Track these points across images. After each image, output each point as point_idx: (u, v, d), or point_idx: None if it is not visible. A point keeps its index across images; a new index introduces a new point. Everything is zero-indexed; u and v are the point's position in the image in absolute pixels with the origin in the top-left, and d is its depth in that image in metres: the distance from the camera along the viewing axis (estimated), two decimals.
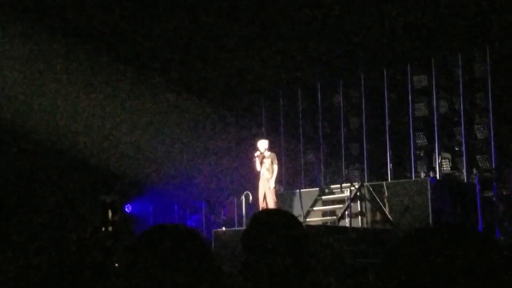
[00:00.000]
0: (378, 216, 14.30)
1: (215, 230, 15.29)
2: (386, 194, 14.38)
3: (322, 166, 17.74)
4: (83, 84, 17.36)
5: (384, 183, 15.10)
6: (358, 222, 14.53)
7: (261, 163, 13.98)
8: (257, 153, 14.09)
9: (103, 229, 2.65)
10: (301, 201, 15.11)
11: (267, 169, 13.98)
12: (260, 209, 13.73)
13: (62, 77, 17.08)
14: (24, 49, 16.40)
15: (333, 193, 15.47)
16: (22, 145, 16.48)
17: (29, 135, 16.64)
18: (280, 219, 2.59)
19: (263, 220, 2.62)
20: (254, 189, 17.35)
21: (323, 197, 15.49)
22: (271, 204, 13.82)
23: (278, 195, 14.48)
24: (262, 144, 14.22)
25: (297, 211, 14.83)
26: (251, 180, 18.46)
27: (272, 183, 13.96)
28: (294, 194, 15.72)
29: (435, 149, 16.23)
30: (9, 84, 16.53)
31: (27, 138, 16.62)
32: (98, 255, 2.69)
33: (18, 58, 16.42)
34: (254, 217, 2.70)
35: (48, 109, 17.09)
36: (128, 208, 18.92)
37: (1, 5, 15.56)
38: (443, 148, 16.24)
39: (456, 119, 16.08)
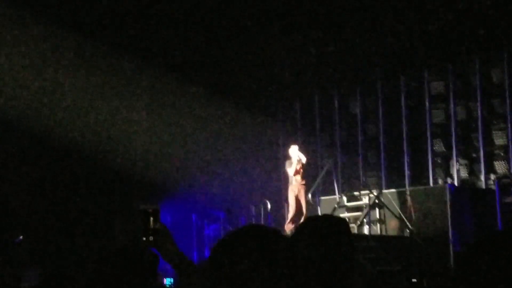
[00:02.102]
0: (397, 224, 14.28)
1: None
2: (404, 201, 14.35)
3: (339, 173, 17.74)
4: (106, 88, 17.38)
5: (402, 190, 15.08)
6: (377, 229, 14.54)
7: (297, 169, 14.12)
8: (294, 159, 14.12)
9: (144, 238, 2.67)
10: (320, 209, 15.13)
11: (302, 176, 14.14)
12: (293, 214, 13.90)
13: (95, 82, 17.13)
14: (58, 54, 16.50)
15: (351, 201, 15.47)
16: (60, 154, 16.59)
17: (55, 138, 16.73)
18: (335, 226, 2.61)
19: (318, 225, 2.64)
20: (273, 197, 17.39)
21: (342, 205, 15.49)
22: (305, 209, 14.00)
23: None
24: (295, 150, 14.37)
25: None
26: (270, 188, 18.50)
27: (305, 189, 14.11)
28: (313, 202, 15.74)
29: (452, 155, 16.22)
30: (49, 91, 16.60)
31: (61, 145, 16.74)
32: (142, 265, 2.71)
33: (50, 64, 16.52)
34: (307, 222, 2.72)
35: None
36: None
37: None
38: (461, 155, 16.22)
39: (473, 125, 16.06)
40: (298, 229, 2.68)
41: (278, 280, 1.77)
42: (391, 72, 17.05)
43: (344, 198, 15.58)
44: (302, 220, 13.85)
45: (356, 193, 15.48)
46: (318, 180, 15.52)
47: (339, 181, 16.68)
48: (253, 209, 17.53)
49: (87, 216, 16.51)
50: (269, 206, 15.39)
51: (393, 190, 15.17)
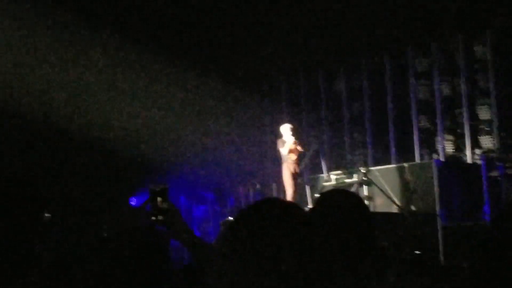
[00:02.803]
0: (385, 200, 14.39)
1: (222, 221, 15.38)
2: (392, 178, 14.46)
3: (325, 152, 17.83)
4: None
5: (389, 166, 15.20)
6: None
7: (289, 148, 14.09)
8: (287, 138, 14.13)
9: (153, 218, 2.68)
10: (308, 187, 15.22)
11: (295, 153, 14.10)
12: (292, 192, 13.93)
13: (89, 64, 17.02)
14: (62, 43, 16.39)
15: (339, 179, 15.55)
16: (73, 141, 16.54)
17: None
18: (350, 200, 2.66)
19: (335, 200, 2.69)
20: (261, 177, 17.44)
21: (330, 183, 15.57)
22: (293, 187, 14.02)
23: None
24: (288, 128, 14.32)
25: (303, 197, 14.96)
26: (258, 168, 18.56)
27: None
28: (301, 181, 15.81)
29: (438, 131, 16.35)
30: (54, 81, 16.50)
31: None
32: (152, 244, 2.76)
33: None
34: (324, 197, 2.76)
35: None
36: (132, 201, 18.93)
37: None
38: (446, 130, 16.35)
39: (458, 101, 16.19)
40: (315, 203, 2.73)
41: (300, 253, 1.75)
42: (375, 50, 17.12)
43: (332, 177, 15.67)
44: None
45: (343, 171, 15.57)
46: (305, 159, 15.60)
47: (326, 160, 16.76)
48: (241, 189, 17.60)
49: (74, 199, 16.48)
50: (257, 186, 15.43)
51: (380, 167, 15.28)
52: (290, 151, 14.09)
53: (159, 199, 2.95)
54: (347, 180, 15.28)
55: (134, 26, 17.12)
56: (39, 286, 2.89)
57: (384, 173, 14.70)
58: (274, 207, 1.86)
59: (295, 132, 14.39)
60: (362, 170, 14.94)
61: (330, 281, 1.74)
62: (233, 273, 1.71)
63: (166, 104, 18.36)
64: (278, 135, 14.63)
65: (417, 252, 10.20)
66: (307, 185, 15.44)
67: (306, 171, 15.94)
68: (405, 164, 15.07)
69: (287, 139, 14.18)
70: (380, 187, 14.47)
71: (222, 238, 1.87)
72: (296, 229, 1.80)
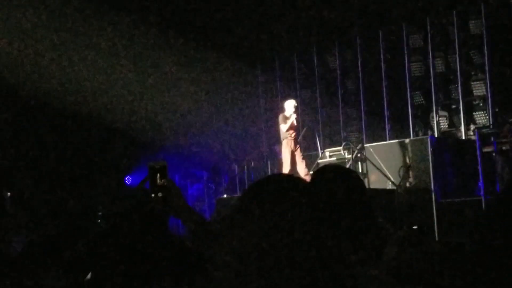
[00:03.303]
0: (380, 177, 14.42)
1: (218, 198, 15.40)
2: (386, 154, 14.49)
3: (320, 129, 17.83)
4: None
5: (383, 143, 15.22)
6: None
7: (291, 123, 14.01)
8: (289, 114, 14.00)
9: (153, 195, 2.67)
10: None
11: (295, 129, 14.07)
12: (289, 169, 13.90)
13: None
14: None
15: (333, 156, 15.57)
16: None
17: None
18: (347, 176, 2.65)
19: (332, 175, 2.68)
20: (255, 154, 17.43)
21: (324, 160, 15.59)
22: (302, 163, 13.94)
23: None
24: (292, 104, 14.16)
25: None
26: (251, 145, 18.56)
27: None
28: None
29: (432, 107, 16.35)
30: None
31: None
32: (152, 221, 2.75)
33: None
34: (322, 171, 2.75)
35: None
36: (128, 180, 18.94)
37: None
38: (440, 106, 16.36)
39: (452, 77, 16.19)
40: (313, 178, 2.72)
41: (306, 230, 1.76)
42: (370, 26, 17.07)
43: (327, 154, 15.69)
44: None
45: (338, 148, 15.59)
46: (300, 136, 15.59)
47: (320, 137, 16.77)
48: (235, 168, 17.60)
49: (69, 174, 16.47)
50: (252, 164, 15.43)
51: (374, 143, 15.30)
52: (290, 128, 13.99)
53: (158, 176, 2.93)
54: (342, 157, 15.30)
55: None
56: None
57: (379, 150, 14.73)
58: (281, 181, 1.87)
59: (297, 109, 14.29)
60: (356, 146, 14.98)
61: (338, 256, 1.74)
62: (245, 247, 1.72)
63: (161, 82, 18.28)
64: (280, 111, 14.47)
65: (414, 227, 10.24)
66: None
67: (300, 149, 15.93)
68: (399, 141, 15.10)
69: (289, 114, 14.03)
70: (374, 163, 14.51)
71: (233, 212, 1.87)
72: (301, 200, 1.80)
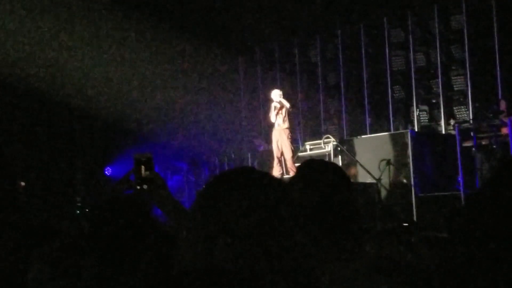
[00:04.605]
0: (360, 171, 14.45)
1: (198, 190, 15.38)
2: (367, 148, 14.51)
3: (300, 122, 17.84)
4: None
5: (364, 137, 15.25)
6: None
7: (277, 114, 13.92)
8: (274, 104, 13.98)
9: (138, 187, 2.66)
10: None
11: (283, 120, 13.98)
12: (277, 161, 13.84)
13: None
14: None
15: (314, 149, 15.57)
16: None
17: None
18: (330, 169, 2.64)
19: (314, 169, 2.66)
20: (236, 146, 17.40)
21: (305, 153, 15.59)
22: (290, 155, 13.85)
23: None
24: (277, 94, 14.11)
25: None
26: (232, 137, 18.54)
27: (288, 133, 14.00)
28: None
29: (412, 102, 16.41)
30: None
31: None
32: (136, 213, 2.73)
33: None
34: (305, 165, 2.74)
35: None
36: (108, 171, 18.84)
37: None
38: (421, 101, 16.42)
39: (432, 71, 16.25)
40: (296, 173, 2.71)
41: (272, 223, 1.72)
42: (351, 20, 17.08)
43: (307, 147, 15.69)
44: (287, 165, 13.92)
45: (318, 141, 15.60)
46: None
47: (301, 130, 16.78)
48: (216, 160, 17.57)
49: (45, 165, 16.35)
50: (232, 156, 15.40)
51: (354, 137, 15.33)
52: (275, 117, 13.95)
53: (143, 168, 2.90)
54: (321, 151, 15.31)
55: None
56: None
57: (359, 143, 14.76)
58: (244, 174, 1.83)
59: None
60: (336, 140, 15.00)
61: (305, 254, 1.71)
62: (200, 240, 1.69)
63: (141, 71, 18.16)
64: (270, 101, 14.34)
65: (405, 224, 10.25)
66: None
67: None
68: (380, 134, 15.13)
69: (277, 103, 14.00)
70: (354, 157, 14.54)
71: (193, 205, 1.85)
72: (267, 199, 1.75)
